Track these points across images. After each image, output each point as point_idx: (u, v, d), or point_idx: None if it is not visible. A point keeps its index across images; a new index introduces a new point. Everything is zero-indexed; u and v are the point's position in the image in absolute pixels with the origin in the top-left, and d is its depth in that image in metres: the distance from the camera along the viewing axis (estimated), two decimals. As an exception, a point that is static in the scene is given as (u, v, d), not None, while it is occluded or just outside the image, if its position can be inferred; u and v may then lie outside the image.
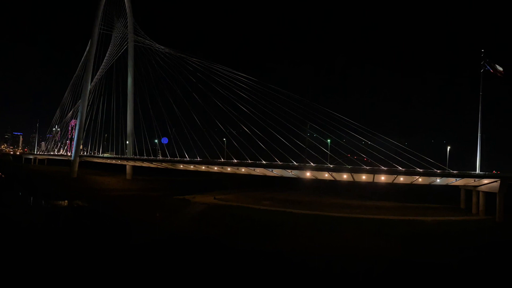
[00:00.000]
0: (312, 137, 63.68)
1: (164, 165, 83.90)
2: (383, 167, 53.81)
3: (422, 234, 41.59)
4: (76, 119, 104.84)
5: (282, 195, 74.81)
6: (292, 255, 32.89)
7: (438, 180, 56.04)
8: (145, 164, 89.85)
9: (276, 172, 64.21)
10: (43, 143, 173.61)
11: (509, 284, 28.17)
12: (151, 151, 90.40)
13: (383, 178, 56.97)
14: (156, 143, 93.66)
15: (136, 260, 30.01)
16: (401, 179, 56.81)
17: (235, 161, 66.90)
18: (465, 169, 56.24)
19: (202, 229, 42.72)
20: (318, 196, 74.28)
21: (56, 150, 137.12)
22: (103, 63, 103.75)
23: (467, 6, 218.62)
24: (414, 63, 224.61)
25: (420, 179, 55.75)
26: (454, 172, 53.20)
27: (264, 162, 61.80)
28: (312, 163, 58.54)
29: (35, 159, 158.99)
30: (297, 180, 75.37)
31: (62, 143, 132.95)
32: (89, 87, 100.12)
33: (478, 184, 54.64)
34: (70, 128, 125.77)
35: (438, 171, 52.30)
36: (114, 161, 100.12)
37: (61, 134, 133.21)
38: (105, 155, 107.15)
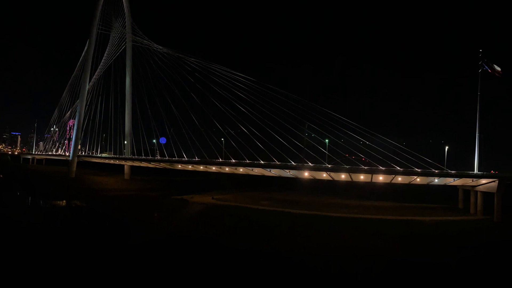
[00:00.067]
0: (310, 137, 63.89)
1: (162, 165, 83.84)
2: (381, 167, 53.85)
3: (420, 234, 41.64)
4: (74, 119, 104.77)
5: (280, 195, 74.83)
6: (290, 255, 32.88)
7: (436, 180, 56.13)
8: (143, 164, 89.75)
9: (274, 172, 64.22)
10: (41, 143, 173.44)
11: (507, 284, 28.23)
12: (149, 151, 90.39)
13: (381, 178, 57.02)
14: (154, 143, 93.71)
15: (135, 260, 29.96)
16: (399, 179, 56.87)
17: (233, 161, 66.91)
18: (464, 169, 56.34)
19: (200, 229, 42.69)
20: (316, 196, 74.29)
21: (54, 150, 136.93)
22: (101, 63, 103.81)
23: (467, 6, 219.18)
24: (414, 63, 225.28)
25: (418, 179, 55.81)
26: (452, 172, 53.27)
27: (262, 162, 61.78)
28: (310, 163, 58.56)
29: (33, 159, 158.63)
30: (295, 180, 75.39)
31: (60, 143, 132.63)
32: (87, 87, 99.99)
33: (476, 184, 54.73)
34: (68, 128, 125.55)
35: (436, 171, 52.37)
36: (112, 161, 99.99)
37: (59, 134, 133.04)
38: (103, 155, 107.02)
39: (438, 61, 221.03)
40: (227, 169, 69.68)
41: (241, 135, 65.90)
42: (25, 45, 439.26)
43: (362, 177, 58.20)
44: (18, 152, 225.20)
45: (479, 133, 54.61)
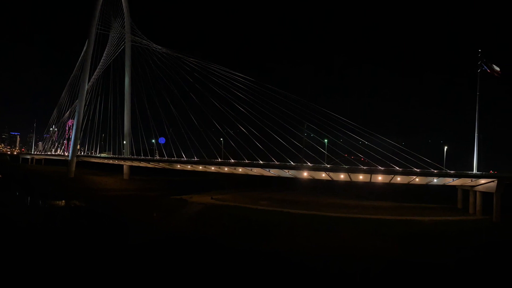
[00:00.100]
0: (309, 137, 63.92)
1: (162, 165, 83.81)
2: (380, 167, 53.88)
3: (419, 234, 41.69)
4: (74, 119, 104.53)
5: (279, 195, 74.84)
6: (289, 255, 32.90)
7: (435, 180, 56.18)
8: (143, 164, 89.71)
9: (273, 172, 64.22)
10: (40, 143, 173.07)
11: (506, 284, 28.26)
12: (148, 151, 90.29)
13: (380, 178, 57.06)
14: (153, 143, 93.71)
15: (134, 260, 29.96)
16: (398, 179, 56.92)
17: (233, 161, 66.90)
18: (464, 169, 56.38)
19: (200, 229, 42.68)
20: (315, 196, 74.31)
21: (53, 150, 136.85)
22: (100, 63, 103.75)
23: (467, 6, 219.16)
24: (414, 63, 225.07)
25: (417, 179, 55.86)
26: (451, 172, 53.32)
27: (261, 162, 61.77)
28: (309, 163, 58.56)
29: (32, 159, 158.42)
30: (295, 180, 75.38)
31: (59, 143, 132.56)
32: (86, 87, 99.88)
33: (475, 184, 54.77)
34: (67, 128, 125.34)
35: (435, 171, 52.41)
36: (111, 161, 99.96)
37: (58, 134, 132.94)
38: (103, 155, 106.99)
39: (438, 61, 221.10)
40: (226, 169, 69.67)
41: (240, 135, 65.99)
42: (24, 45, 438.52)
43: (361, 177, 58.24)
44: (17, 152, 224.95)
45: (478, 133, 54.75)
